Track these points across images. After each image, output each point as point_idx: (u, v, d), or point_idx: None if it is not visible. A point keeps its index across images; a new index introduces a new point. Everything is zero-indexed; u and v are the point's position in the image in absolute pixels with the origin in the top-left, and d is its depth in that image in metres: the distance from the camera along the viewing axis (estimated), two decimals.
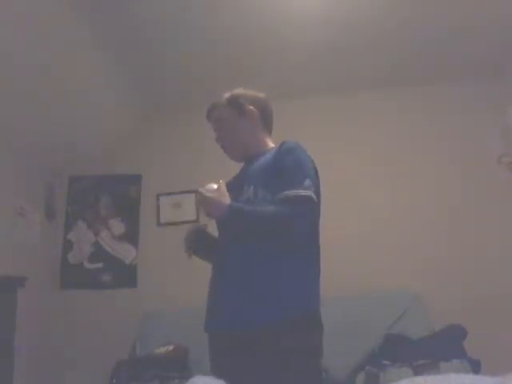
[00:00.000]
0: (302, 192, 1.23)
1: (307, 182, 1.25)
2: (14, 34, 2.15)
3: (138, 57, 2.81)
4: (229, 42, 2.71)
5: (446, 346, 2.28)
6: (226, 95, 1.54)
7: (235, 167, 1.58)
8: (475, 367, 2.16)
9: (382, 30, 2.66)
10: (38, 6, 2.13)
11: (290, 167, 1.29)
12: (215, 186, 1.30)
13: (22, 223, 2.86)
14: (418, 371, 2.12)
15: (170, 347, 2.57)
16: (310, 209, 1.25)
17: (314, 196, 1.25)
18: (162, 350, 2.56)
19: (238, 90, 1.55)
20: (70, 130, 3.04)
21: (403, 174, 3.15)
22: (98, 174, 3.42)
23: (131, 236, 3.29)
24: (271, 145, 1.51)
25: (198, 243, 1.46)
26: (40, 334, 2.92)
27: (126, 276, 3.20)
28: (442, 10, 2.52)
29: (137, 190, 3.39)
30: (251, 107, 1.50)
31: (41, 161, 3.08)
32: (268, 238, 1.27)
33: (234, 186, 1.39)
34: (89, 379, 2.79)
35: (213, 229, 1.49)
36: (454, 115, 3.19)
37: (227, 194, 1.29)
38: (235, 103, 1.51)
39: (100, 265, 3.22)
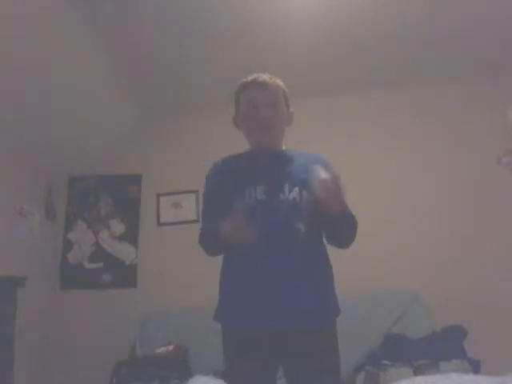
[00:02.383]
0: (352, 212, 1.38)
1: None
2: (14, 33, 2.15)
3: (137, 57, 2.81)
4: (229, 42, 2.71)
5: (446, 345, 2.29)
6: (279, 82, 1.48)
7: None
8: (475, 367, 2.16)
9: (382, 30, 2.66)
10: (38, 5, 2.12)
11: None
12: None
13: (22, 223, 2.86)
14: (417, 371, 2.12)
15: (170, 347, 2.57)
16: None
17: None
18: (162, 349, 2.56)
19: (282, 84, 1.50)
20: (70, 130, 3.04)
21: (403, 174, 3.15)
22: (98, 174, 3.42)
23: (131, 236, 3.29)
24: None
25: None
26: (40, 334, 2.92)
27: (126, 276, 3.20)
28: (442, 10, 2.52)
29: (137, 190, 3.39)
30: (292, 110, 1.51)
31: (41, 161, 3.08)
32: (343, 239, 1.39)
33: (259, 180, 1.33)
34: (89, 379, 2.79)
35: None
36: (454, 115, 3.19)
37: None
38: (287, 99, 1.49)
39: (100, 265, 3.22)
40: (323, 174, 1.18)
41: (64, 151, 3.16)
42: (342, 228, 1.35)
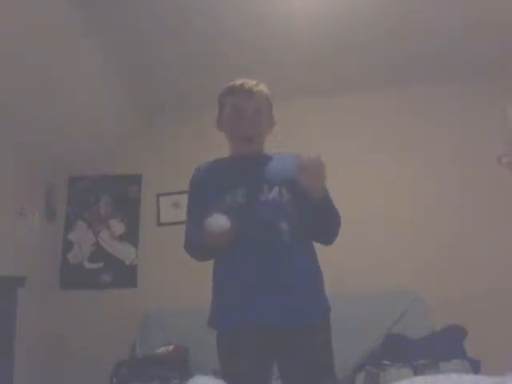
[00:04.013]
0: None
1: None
2: (14, 33, 2.15)
3: (137, 57, 2.81)
4: (229, 42, 2.71)
5: (446, 346, 2.29)
6: (264, 88, 1.46)
7: None
8: (475, 367, 2.16)
9: (382, 30, 2.66)
10: (37, 5, 2.12)
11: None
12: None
13: (22, 223, 2.86)
14: (418, 371, 2.12)
15: (170, 347, 2.57)
16: None
17: None
18: (162, 349, 2.56)
19: (267, 91, 1.48)
20: (70, 130, 3.04)
21: (403, 174, 3.15)
22: (98, 174, 3.42)
23: (131, 236, 3.29)
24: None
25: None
26: (40, 334, 2.92)
27: (126, 276, 3.20)
28: (442, 10, 2.52)
29: (137, 190, 3.39)
30: (275, 116, 1.51)
31: (41, 161, 3.08)
32: (325, 232, 1.39)
33: (239, 183, 1.35)
34: (89, 379, 2.79)
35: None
36: (454, 115, 3.19)
37: None
38: (271, 106, 1.49)
39: (100, 265, 3.23)
40: (306, 157, 1.23)
41: (64, 151, 3.16)
42: (325, 219, 1.35)
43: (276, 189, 1.33)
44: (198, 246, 1.38)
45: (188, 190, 1.54)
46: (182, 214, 3.20)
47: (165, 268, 3.13)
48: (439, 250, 2.91)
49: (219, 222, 1.21)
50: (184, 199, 3.48)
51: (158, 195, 3.35)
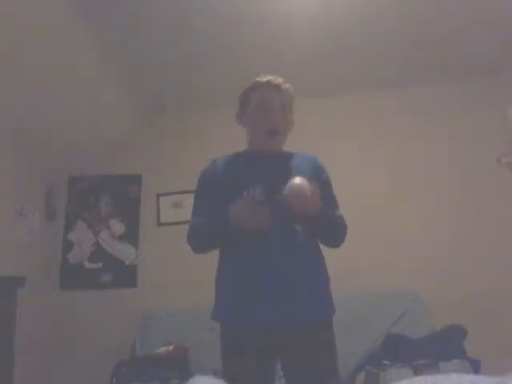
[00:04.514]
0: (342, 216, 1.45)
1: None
2: (14, 33, 2.15)
3: (137, 57, 2.81)
4: (229, 42, 2.71)
5: (446, 346, 2.28)
6: (290, 87, 1.49)
7: None
8: (475, 367, 2.16)
9: (382, 30, 2.66)
10: (37, 5, 2.13)
11: (329, 187, 1.48)
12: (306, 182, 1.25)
13: (22, 223, 2.86)
14: (418, 371, 2.12)
15: (170, 347, 2.57)
16: None
17: None
18: (162, 349, 2.56)
19: (292, 91, 1.52)
20: (70, 130, 3.04)
21: (403, 174, 3.15)
22: (98, 174, 3.42)
23: (131, 236, 3.29)
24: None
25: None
26: (40, 334, 2.92)
27: (126, 276, 3.20)
28: (442, 10, 2.52)
29: (137, 190, 3.39)
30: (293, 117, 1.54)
31: (41, 161, 3.08)
32: (329, 239, 1.44)
33: (258, 180, 1.35)
34: (89, 379, 2.79)
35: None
36: (453, 115, 3.19)
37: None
38: (293, 105, 1.52)
39: (100, 265, 3.22)
40: (295, 182, 1.24)
41: (64, 151, 3.16)
42: (323, 229, 1.38)
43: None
44: (209, 235, 1.38)
45: (200, 181, 1.50)
46: (182, 214, 3.25)
47: (165, 268, 3.13)
48: (439, 250, 2.91)
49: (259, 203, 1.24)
50: (184, 199, 3.50)
51: (158, 195, 3.35)
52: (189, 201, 3.17)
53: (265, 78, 1.46)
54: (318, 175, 1.43)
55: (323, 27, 2.62)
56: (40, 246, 3.04)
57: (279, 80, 1.45)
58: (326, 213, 1.34)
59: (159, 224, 3.30)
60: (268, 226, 1.23)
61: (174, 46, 2.72)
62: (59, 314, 3.08)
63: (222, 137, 3.11)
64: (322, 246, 1.45)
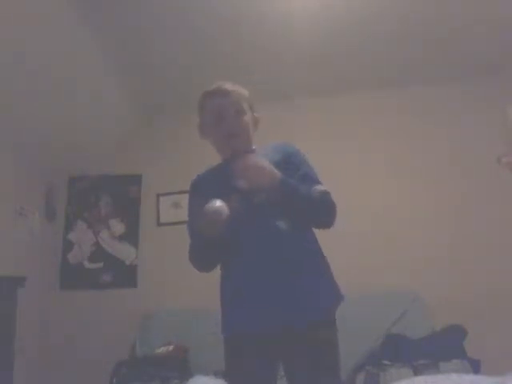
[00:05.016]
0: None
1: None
2: (14, 33, 2.15)
3: (138, 57, 2.81)
4: (229, 42, 2.71)
5: (446, 345, 2.29)
6: (240, 88, 1.46)
7: None
8: (475, 367, 2.16)
9: (382, 30, 2.66)
10: (37, 5, 2.13)
11: (305, 165, 1.41)
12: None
13: (22, 223, 2.86)
14: (418, 371, 2.12)
15: (170, 347, 2.57)
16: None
17: None
18: (162, 349, 2.56)
19: (245, 91, 1.48)
20: (70, 130, 3.04)
21: (403, 174, 3.15)
22: (98, 174, 3.42)
23: (131, 236, 3.29)
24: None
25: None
26: (40, 334, 2.92)
27: (126, 276, 3.20)
28: (442, 11, 2.52)
29: (137, 190, 3.39)
30: (257, 115, 1.51)
31: (41, 161, 3.08)
32: (311, 217, 1.35)
33: (232, 187, 1.32)
34: (89, 379, 2.79)
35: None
36: (453, 115, 3.19)
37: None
38: (252, 104, 1.49)
39: (100, 265, 3.22)
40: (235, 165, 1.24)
41: (64, 151, 3.16)
42: (296, 205, 1.31)
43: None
44: (199, 251, 1.39)
45: (188, 203, 1.55)
46: (182, 214, 3.22)
47: (165, 268, 3.13)
48: (439, 249, 2.91)
49: (214, 204, 1.21)
50: (184, 199, 3.48)
51: (158, 195, 3.35)
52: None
53: (213, 86, 1.45)
54: (288, 157, 1.41)
55: (323, 27, 2.62)
56: (40, 246, 3.04)
57: (226, 85, 1.44)
58: (291, 185, 1.29)
59: (159, 224, 3.30)
60: (215, 233, 1.23)
61: (174, 45, 2.72)
62: (59, 313, 3.08)
63: None
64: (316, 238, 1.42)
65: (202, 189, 1.49)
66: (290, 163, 1.38)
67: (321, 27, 2.62)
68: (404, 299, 2.74)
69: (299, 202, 1.31)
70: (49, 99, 2.67)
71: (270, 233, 1.30)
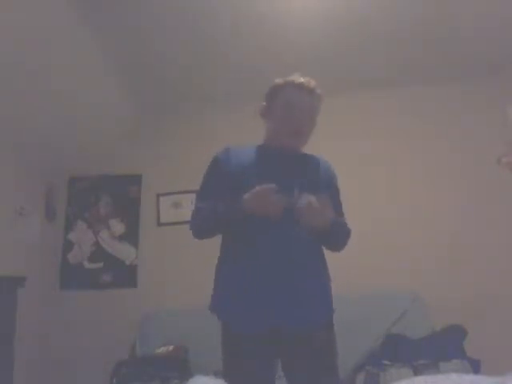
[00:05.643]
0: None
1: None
2: (14, 34, 2.15)
3: (137, 56, 2.81)
4: (229, 42, 2.71)
5: (446, 346, 2.29)
6: (322, 92, 1.51)
7: None
8: (475, 367, 2.16)
9: (382, 30, 2.66)
10: (38, 6, 2.12)
11: (338, 194, 1.53)
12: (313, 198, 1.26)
13: (21, 223, 2.86)
14: (418, 371, 2.12)
15: (170, 347, 2.57)
16: None
17: None
18: (162, 349, 2.56)
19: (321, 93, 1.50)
20: (70, 130, 3.04)
21: (403, 174, 3.15)
22: (98, 174, 3.42)
23: (131, 236, 3.29)
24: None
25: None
26: (40, 334, 2.92)
27: (126, 276, 3.20)
28: (442, 11, 2.52)
29: (137, 190, 3.39)
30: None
31: (41, 161, 3.08)
32: (333, 245, 1.48)
33: (270, 176, 1.31)
34: (89, 379, 2.79)
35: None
36: (453, 115, 3.19)
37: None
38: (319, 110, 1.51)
39: (100, 265, 3.22)
40: (308, 203, 1.24)
41: (64, 151, 3.16)
42: (330, 238, 1.42)
43: (305, 195, 1.30)
44: (209, 219, 1.37)
45: (210, 166, 1.49)
46: (182, 214, 3.25)
47: (165, 268, 3.13)
48: (439, 249, 2.91)
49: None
50: (184, 199, 3.50)
51: (158, 195, 3.35)
52: (189, 201, 3.20)
53: (299, 79, 1.46)
54: (330, 181, 1.48)
55: (323, 27, 2.62)
56: (40, 246, 3.04)
57: (313, 84, 1.47)
58: (336, 225, 1.36)
59: (159, 224, 3.30)
60: (279, 217, 1.23)
61: (174, 45, 2.72)
62: (59, 313, 3.08)
63: (222, 136, 3.11)
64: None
65: (232, 162, 1.42)
66: (331, 188, 1.46)
67: (321, 27, 2.62)
68: (404, 299, 2.74)
69: (333, 237, 1.43)
70: (49, 99, 2.67)
71: (289, 233, 1.31)
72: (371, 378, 2.22)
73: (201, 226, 1.41)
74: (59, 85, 2.63)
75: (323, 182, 1.40)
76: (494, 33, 2.74)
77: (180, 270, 3.08)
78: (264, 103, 1.50)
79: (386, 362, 2.26)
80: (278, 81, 1.48)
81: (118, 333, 2.97)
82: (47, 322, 3.01)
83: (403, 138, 3.23)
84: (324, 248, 1.45)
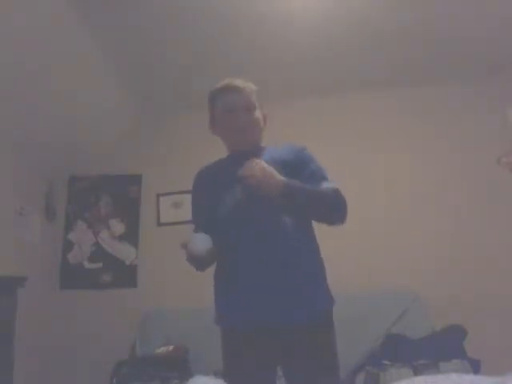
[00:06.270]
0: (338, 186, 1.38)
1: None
2: (14, 34, 2.15)
3: (137, 56, 2.81)
4: (229, 42, 2.71)
5: (446, 346, 2.29)
6: (251, 85, 1.48)
7: None
8: (475, 367, 2.16)
9: (382, 30, 2.66)
10: (37, 6, 2.12)
11: (311, 161, 1.43)
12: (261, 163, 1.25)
13: (22, 223, 2.86)
14: (418, 371, 2.12)
15: (170, 347, 2.57)
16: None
17: None
18: (162, 349, 2.56)
19: (255, 87, 1.49)
20: (70, 130, 3.04)
21: (403, 174, 3.15)
22: (98, 174, 3.42)
23: (131, 236, 3.29)
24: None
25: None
26: (40, 333, 2.92)
27: (126, 276, 3.20)
28: (442, 11, 2.52)
29: (137, 190, 3.39)
30: (265, 112, 1.53)
31: (41, 161, 3.08)
32: (321, 214, 1.37)
33: (237, 178, 1.32)
34: (89, 379, 2.79)
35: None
36: (453, 115, 3.19)
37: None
38: (258, 100, 1.49)
39: (100, 265, 3.22)
40: (247, 165, 1.25)
41: (64, 151, 3.16)
42: (305, 204, 1.33)
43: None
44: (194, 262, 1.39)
45: (191, 195, 1.55)
46: (182, 214, 3.25)
47: (165, 268, 3.13)
48: (439, 249, 2.91)
49: (198, 242, 1.27)
50: (184, 199, 3.50)
51: (158, 195, 3.35)
52: (189, 201, 3.20)
53: (223, 82, 1.47)
54: (295, 154, 1.44)
55: (323, 27, 2.62)
56: (40, 246, 3.04)
57: (237, 81, 1.45)
58: (295, 187, 1.29)
59: (159, 224, 3.30)
60: (196, 257, 1.28)
61: (174, 45, 2.72)
62: (59, 313, 3.08)
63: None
64: (315, 237, 1.43)
65: (204, 181, 1.50)
66: (299, 161, 1.40)
67: (321, 27, 2.62)
68: (404, 299, 2.73)
69: (305, 202, 1.32)
70: (49, 99, 2.67)
71: (272, 228, 1.31)
72: (371, 378, 2.22)
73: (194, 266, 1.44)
74: (59, 85, 2.63)
75: (289, 162, 1.37)
76: (494, 33, 2.74)
77: (180, 270, 3.05)
78: (209, 117, 1.54)
79: (385, 362, 2.26)
80: (209, 94, 1.51)
81: (118, 333, 2.97)
82: (47, 322, 3.01)
83: (403, 138, 3.23)
84: (319, 222, 1.39)
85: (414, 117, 3.24)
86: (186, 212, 3.38)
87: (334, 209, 1.37)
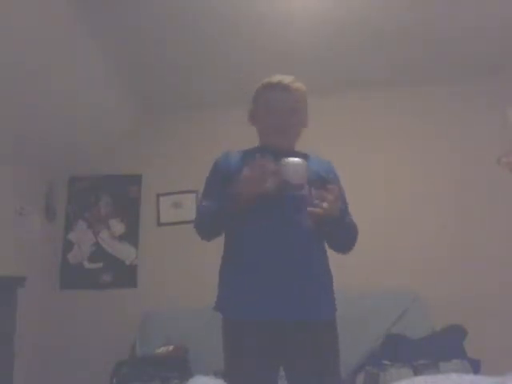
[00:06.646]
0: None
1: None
2: (14, 34, 2.15)
3: (137, 56, 2.81)
4: (229, 42, 2.71)
5: (446, 346, 2.29)
6: (301, 86, 1.48)
7: None
8: (475, 367, 2.16)
9: (382, 30, 2.65)
10: (38, 6, 2.12)
11: (342, 195, 1.48)
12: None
13: (22, 223, 2.86)
14: (418, 371, 2.12)
15: (170, 347, 2.57)
16: None
17: None
18: (162, 349, 2.56)
19: (305, 89, 1.50)
20: (70, 130, 3.04)
21: (403, 174, 3.15)
22: (98, 174, 3.42)
23: (131, 236, 3.29)
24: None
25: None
26: (40, 334, 2.92)
27: (126, 276, 3.20)
28: (442, 11, 2.52)
29: (137, 190, 3.39)
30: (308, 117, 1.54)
31: (41, 161, 3.08)
32: (342, 244, 1.45)
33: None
34: (89, 379, 2.79)
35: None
36: (454, 115, 3.19)
37: None
38: (306, 104, 1.50)
39: (100, 265, 3.22)
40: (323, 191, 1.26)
41: (64, 151, 3.16)
42: (337, 232, 1.39)
43: (306, 187, 1.31)
44: (216, 217, 1.37)
45: (212, 170, 1.51)
46: (182, 214, 3.25)
47: (165, 268, 3.13)
48: (439, 249, 2.91)
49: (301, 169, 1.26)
50: (184, 199, 3.49)
51: (158, 195, 3.35)
52: (189, 201, 3.20)
53: (275, 79, 1.46)
54: (327, 172, 1.45)
55: (323, 27, 2.62)
56: (40, 246, 3.04)
57: (289, 80, 1.45)
58: (343, 217, 1.35)
59: (159, 224, 3.30)
60: (277, 190, 1.24)
61: (174, 46, 2.72)
62: (59, 313, 3.08)
63: (222, 136, 3.11)
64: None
65: (233, 167, 1.43)
66: (330, 182, 1.40)
67: (321, 27, 2.62)
68: (404, 299, 2.74)
69: (341, 232, 1.40)
70: (49, 99, 2.67)
71: (295, 228, 1.31)
72: (371, 378, 2.22)
73: (204, 225, 1.42)
74: (59, 85, 2.63)
75: (319, 175, 1.38)
76: (494, 33, 2.73)
77: (180, 270, 3.08)
78: (251, 108, 1.54)
79: (385, 362, 2.26)
80: (258, 85, 1.51)
81: (118, 333, 2.97)
82: (47, 322, 3.01)
83: (403, 138, 3.23)
84: (330, 247, 1.43)
85: (414, 117, 3.24)
86: (186, 212, 3.40)
87: (351, 243, 1.45)
